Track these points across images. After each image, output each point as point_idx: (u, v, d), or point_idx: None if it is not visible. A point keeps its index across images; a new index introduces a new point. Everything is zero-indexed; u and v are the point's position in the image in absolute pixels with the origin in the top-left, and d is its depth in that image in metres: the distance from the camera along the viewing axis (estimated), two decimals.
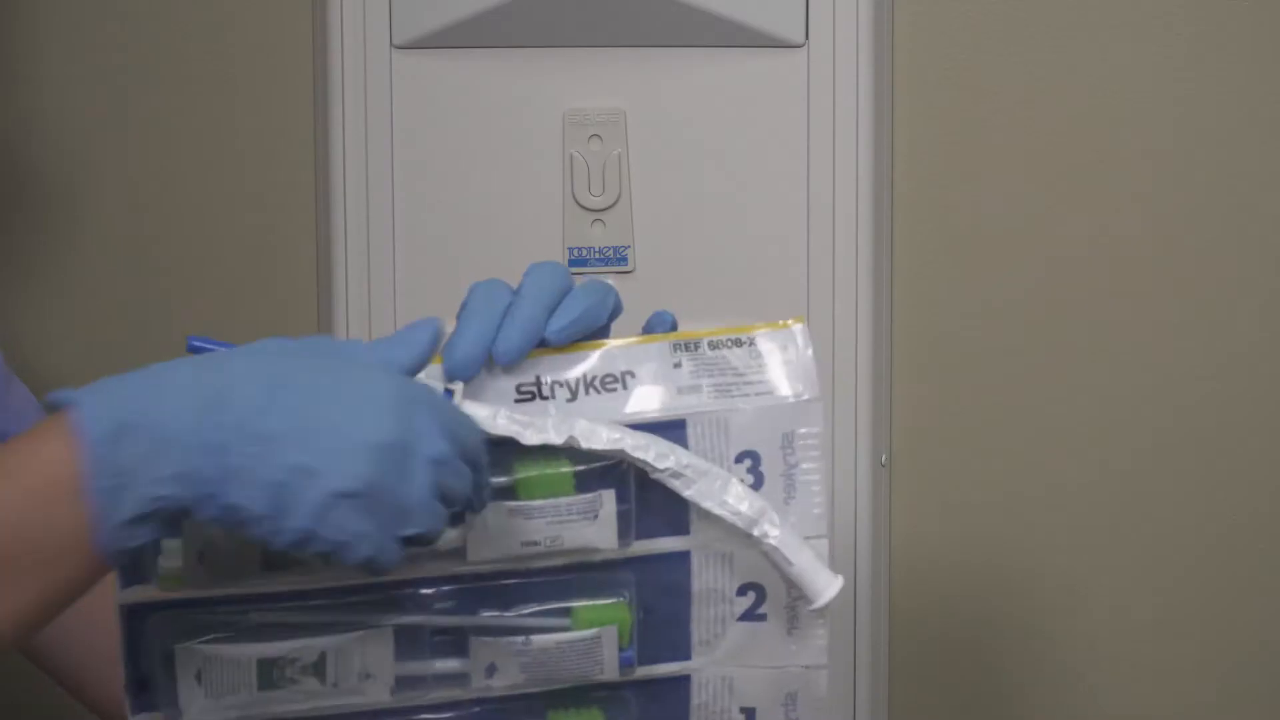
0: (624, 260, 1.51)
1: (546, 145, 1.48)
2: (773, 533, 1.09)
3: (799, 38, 1.49)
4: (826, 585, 1.10)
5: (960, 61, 1.53)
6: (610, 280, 1.29)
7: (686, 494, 1.09)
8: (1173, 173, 1.53)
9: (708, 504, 1.09)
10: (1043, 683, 1.57)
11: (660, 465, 1.09)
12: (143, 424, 0.86)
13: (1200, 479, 1.55)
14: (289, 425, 0.88)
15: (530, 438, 1.07)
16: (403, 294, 1.51)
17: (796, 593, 1.11)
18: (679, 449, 1.09)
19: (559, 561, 1.10)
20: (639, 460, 1.08)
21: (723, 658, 1.14)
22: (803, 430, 1.11)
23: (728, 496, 1.10)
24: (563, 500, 1.09)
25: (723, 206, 1.50)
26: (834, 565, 1.55)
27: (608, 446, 1.08)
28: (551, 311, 1.03)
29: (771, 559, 1.10)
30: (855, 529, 1.52)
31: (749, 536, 1.09)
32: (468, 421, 0.97)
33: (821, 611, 1.11)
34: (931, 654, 1.58)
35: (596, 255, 1.51)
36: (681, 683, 1.14)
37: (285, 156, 1.57)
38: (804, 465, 1.12)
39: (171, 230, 1.58)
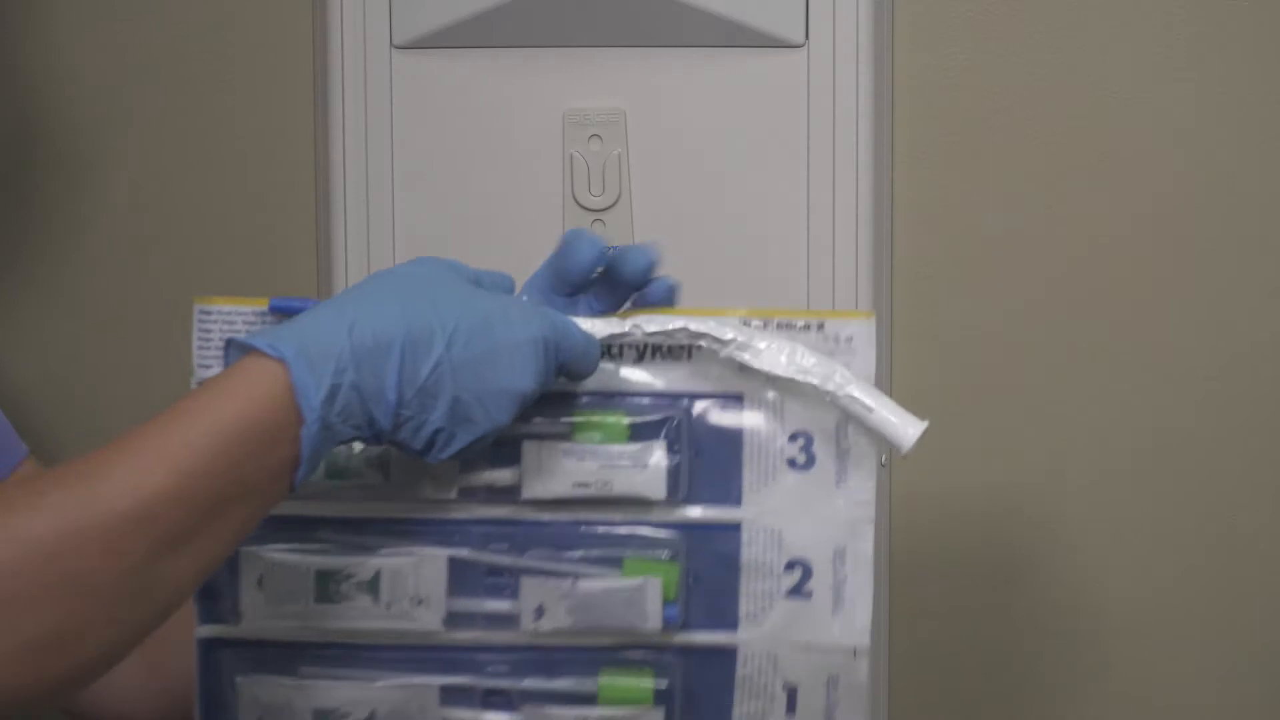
0: None
1: (546, 145, 1.48)
2: (846, 385, 1.14)
3: (799, 38, 1.49)
4: (910, 427, 1.14)
5: (960, 61, 1.53)
6: None
7: (755, 364, 1.14)
8: (1173, 173, 1.53)
9: (777, 369, 1.14)
10: (1044, 683, 1.57)
11: (724, 337, 1.14)
12: (346, 385, 1.00)
13: (1202, 479, 1.55)
14: (457, 382, 1.03)
15: (599, 329, 1.14)
16: None
17: (844, 571, 1.17)
18: (741, 326, 1.15)
19: (611, 513, 1.16)
20: (703, 337, 1.15)
21: (768, 633, 1.18)
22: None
23: (796, 358, 1.14)
24: (615, 447, 1.15)
25: (723, 206, 1.50)
26: None
27: (669, 328, 1.14)
28: (649, 270, 1.13)
29: (849, 410, 1.14)
30: None
31: (823, 391, 1.14)
32: (583, 346, 1.11)
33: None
34: (932, 653, 1.58)
35: None
36: (728, 654, 1.18)
37: (285, 156, 1.57)
38: (855, 449, 1.17)
39: (172, 230, 1.58)
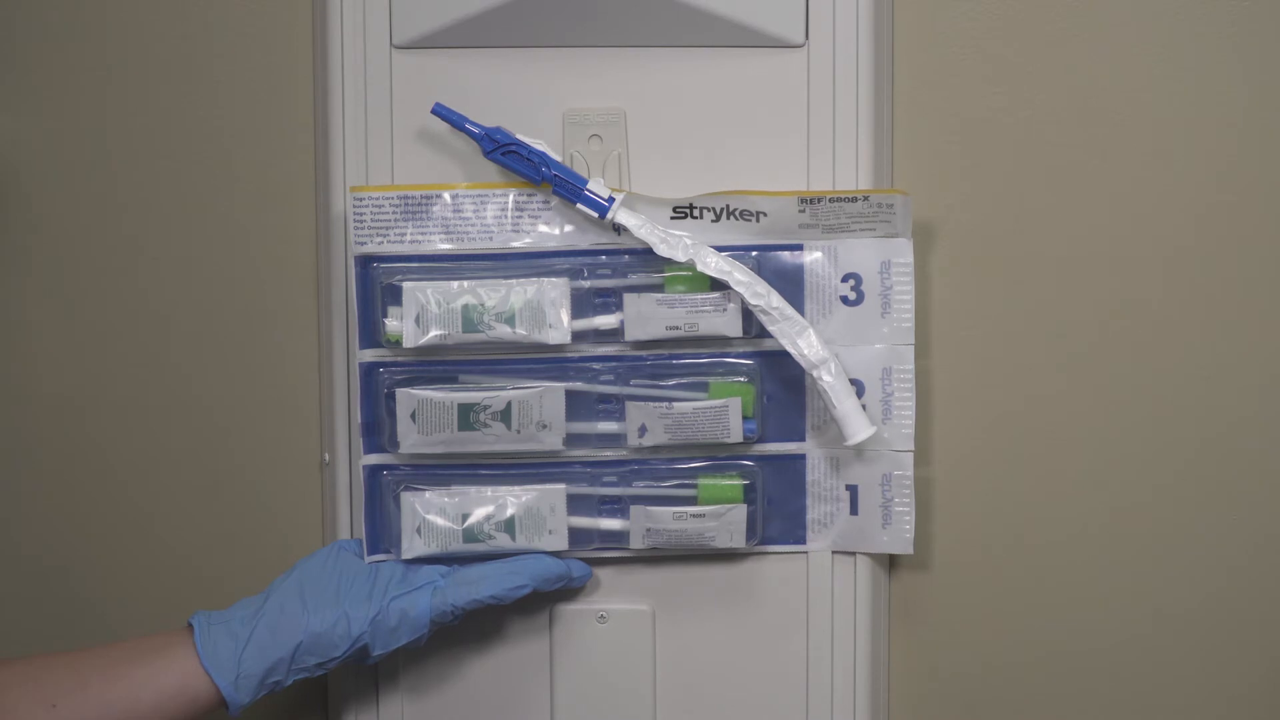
0: None
1: (546, 145, 1.48)
2: (827, 379, 1.41)
3: (799, 38, 1.49)
4: (859, 429, 1.41)
5: (960, 61, 1.53)
6: None
7: (771, 329, 1.41)
8: (1173, 173, 1.53)
9: (785, 343, 1.41)
10: (1044, 681, 1.57)
11: (754, 301, 1.40)
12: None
13: (1203, 479, 1.55)
14: None
15: (662, 250, 1.41)
16: None
17: (891, 387, 1.45)
18: (775, 293, 1.41)
19: (698, 349, 1.44)
20: (740, 291, 1.40)
21: (830, 441, 1.47)
22: (897, 260, 1.45)
23: (800, 341, 1.41)
24: (699, 295, 1.43)
25: None
26: (835, 567, 1.55)
27: (717, 275, 1.40)
28: None
29: (824, 399, 1.42)
30: None
31: (809, 374, 1.41)
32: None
33: (856, 449, 1.45)
34: (932, 653, 1.58)
35: None
36: (798, 461, 1.47)
37: (285, 156, 1.57)
38: (897, 286, 1.45)
39: (171, 230, 1.58)
